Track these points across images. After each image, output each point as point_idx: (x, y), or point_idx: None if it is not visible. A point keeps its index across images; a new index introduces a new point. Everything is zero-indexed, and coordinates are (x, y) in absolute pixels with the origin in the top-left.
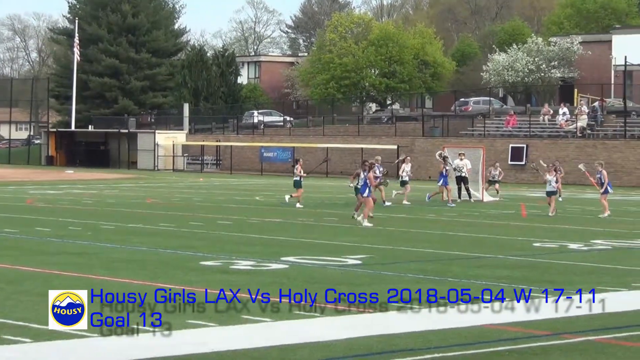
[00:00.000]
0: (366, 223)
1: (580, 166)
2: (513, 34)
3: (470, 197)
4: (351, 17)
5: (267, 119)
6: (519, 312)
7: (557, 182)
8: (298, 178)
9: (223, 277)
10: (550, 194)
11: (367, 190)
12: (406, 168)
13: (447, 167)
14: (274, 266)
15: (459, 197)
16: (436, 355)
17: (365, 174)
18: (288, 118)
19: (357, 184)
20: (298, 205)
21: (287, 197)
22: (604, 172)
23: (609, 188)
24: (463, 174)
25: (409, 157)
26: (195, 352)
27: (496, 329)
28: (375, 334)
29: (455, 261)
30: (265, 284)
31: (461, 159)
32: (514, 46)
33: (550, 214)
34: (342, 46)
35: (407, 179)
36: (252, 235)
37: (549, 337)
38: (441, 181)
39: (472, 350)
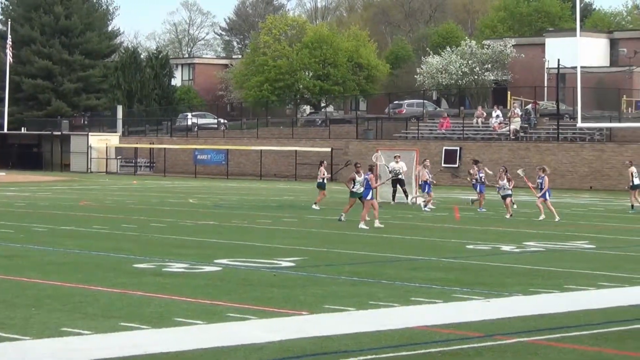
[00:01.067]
0: (362, 225)
1: (519, 171)
2: (447, 36)
3: (407, 198)
4: (285, 19)
5: (201, 121)
6: (451, 314)
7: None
8: (321, 180)
9: (156, 280)
10: (506, 197)
11: (370, 193)
12: (324, 172)
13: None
14: (208, 269)
15: (393, 199)
16: (369, 357)
17: (366, 175)
18: (222, 120)
19: (353, 187)
20: (314, 206)
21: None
22: (546, 177)
23: (547, 194)
24: (400, 177)
25: (325, 162)
26: (127, 355)
27: (428, 331)
28: (309, 336)
29: (389, 263)
30: (199, 287)
31: (397, 162)
32: (448, 49)
33: (508, 217)
34: (276, 48)
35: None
36: (185, 237)
37: (482, 339)
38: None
39: (404, 352)
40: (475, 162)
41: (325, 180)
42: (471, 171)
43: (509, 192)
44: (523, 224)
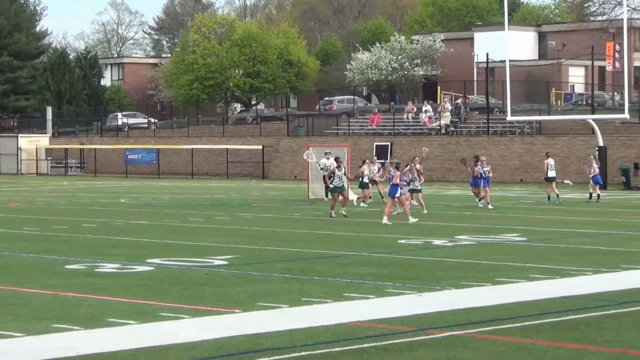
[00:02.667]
0: (385, 221)
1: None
2: (376, 32)
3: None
4: (214, 17)
5: (131, 120)
6: (384, 309)
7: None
8: (365, 179)
9: (88, 281)
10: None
11: (398, 190)
12: (365, 170)
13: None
14: (140, 268)
15: (326, 196)
16: (302, 353)
17: (392, 172)
18: (152, 120)
19: (332, 182)
20: (363, 204)
21: (354, 199)
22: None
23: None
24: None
25: (368, 161)
26: (60, 356)
27: (362, 326)
28: (242, 334)
29: (321, 260)
30: (131, 287)
31: (327, 158)
32: (377, 45)
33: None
34: (206, 47)
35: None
36: (117, 237)
37: (415, 333)
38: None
39: (337, 347)
40: (477, 158)
41: (367, 179)
42: (476, 168)
43: (418, 187)
44: (454, 218)
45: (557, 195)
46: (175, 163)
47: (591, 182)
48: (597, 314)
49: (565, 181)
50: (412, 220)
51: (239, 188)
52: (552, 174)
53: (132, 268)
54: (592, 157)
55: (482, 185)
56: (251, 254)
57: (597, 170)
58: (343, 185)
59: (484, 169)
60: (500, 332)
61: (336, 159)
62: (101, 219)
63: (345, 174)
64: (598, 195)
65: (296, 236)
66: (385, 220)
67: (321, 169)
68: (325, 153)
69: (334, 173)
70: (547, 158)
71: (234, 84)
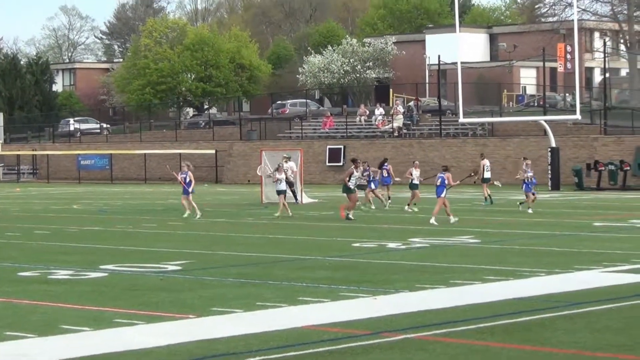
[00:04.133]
0: (432, 221)
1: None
2: (328, 35)
3: (296, 199)
4: (166, 22)
5: (84, 126)
6: (339, 313)
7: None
8: (416, 181)
9: (42, 288)
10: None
11: (444, 191)
12: (415, 173)
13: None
14: (93, 275)
15: (296, 200)
16: (257, 358)
17: (442, 174)
18: (105, 125)
19: (349, 182)
20: (407, 208)
21: (406, 207)
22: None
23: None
24: (290, 177)
25: (417, 162)
26: None
27: (316, 330)
28: (197, 339)
29: (276, 264)
30: (85, 293)
31: (286, 162)
32: (329, 48)
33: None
34: (158, 51)
35: (417, 182)
36: (70, 244)
37: (369, 337)
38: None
39: (292, 352)
40: (525, 159)
41: (417, 181)
42: (523, 167)
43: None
44: (408, 220)
45: (489, 196)
46: (128, 168)
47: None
48: (550, 315)
49: (495, 182)
50: (432, 221)
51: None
52: (487, 175)
53: (85, 274)
54: (523, 158)
55: (525, 189)
56: (205, 259)
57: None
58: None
59: (528, 174)
60: (454, 335)
61: (353, 160)
62: (54, 225)
63: (361, 176)
64: (520, 203)
65: (250, 240)
66: (432, 220)
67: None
68: (284, 157)
69: (352, 174)
70: (483, 159)
71: (186, 88)
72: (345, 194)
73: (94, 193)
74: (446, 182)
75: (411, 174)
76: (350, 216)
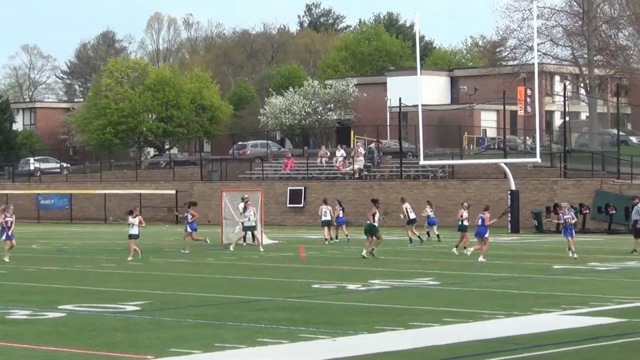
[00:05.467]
0: (481, 259)
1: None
2: (289, 77)
3: (253, 240)
4: (127, 62)
5: (44, 165)
6: (297, 354)
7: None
8: (465, 222)
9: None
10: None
11: (487, 230)
12: (465, 214)
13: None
14: (52, 315)
15: (244, 240)
16: None
17: (482, 215)
18: (65, 164)
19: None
20: (466, 251)
21: (454, 249)
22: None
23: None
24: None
25: (465, 204)
26: None
27: None
28: None
29: (235, 305)
30: (43, 333)
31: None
32: (291, 89)
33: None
34: (119, 91)
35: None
36: (28, 284)
37: None
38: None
39: None
40: (557, 206)
41: (467, 223)
42: (559, 212)
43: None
44: (368, 262)
45: (419, 237)
46: (88, 208)
47: (426, 224)
48: (509, 357)
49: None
50: (481, 259)
51: (152, 233)
52: (412, 216)
53: (43, 314)
54: (427, 201)
55: (566, 235)
56: (164, 300)
57: (432, 214)
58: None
59: (566, 216)
60: None
61: (374, 201)
62: (12, 265)
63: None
64: (438, 235)
65: (209, 281)
66: (481, 258)
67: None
68: (243, 198)
69: (375, 214)
70: (404, 203)
71: (147, 128)
72: (369, 234)
73: (53, 233)
74: (486, 221)
75: (462, 216)
76: (375, 253)
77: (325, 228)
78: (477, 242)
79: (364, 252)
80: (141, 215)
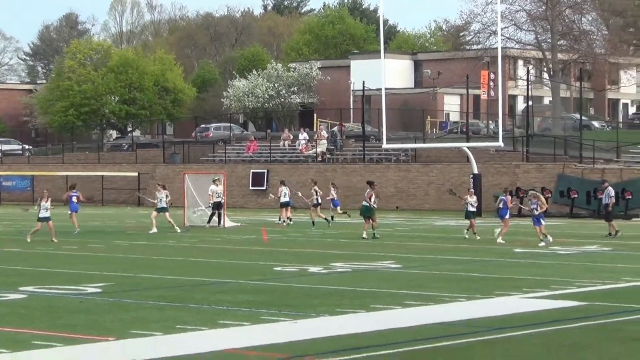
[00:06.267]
0: (500, 240)
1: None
2: (253, 60)
3: (219, 223)
4: (90, 44)
5: (5, 147)
6: (259, 336)
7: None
8: (471, 208)
9: None
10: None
11: (507, 213)
12: (470, 200)
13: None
14: (12, 296)
15: (209, 222)
16: None
17: (503, 197)
18: (27, 146)
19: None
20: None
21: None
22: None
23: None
24: (220, 199)
25: (472, 190)
26: None
27: (236, 354)
28: None
29: (197, 287)
30: (3, 315)
31: (217, 185)
32: (254, 72)
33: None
34: (81, 73)
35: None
36: None
37: None
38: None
39: None
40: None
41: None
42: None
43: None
44: (330, 245)
45: (325, 219)
46: (49, 190)
47: (331, 205)
48: (470, 340)
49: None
50: (500, 240)
51: (115, 215)
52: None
53: (4, 296)
54: (332, 184)
55: (535, 224)
56: (125, 282)
57: (335, 196)
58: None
59: (532, 206)
60: (374, 359)
61: (370, 183)
62: None
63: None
64: (332, 217)
65: (171, 263)
66: (499, 240)
67: (211, 194)
68: (214, 180)
69: (372, 196)
70: (315, 185)
71: (110, 110)
72: (365, 215)
73: (15, 214)
74: (508, 204)
75: (466, 201)
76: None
77: (284, 209)
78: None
79: (364, 234)
80: (103, 197)
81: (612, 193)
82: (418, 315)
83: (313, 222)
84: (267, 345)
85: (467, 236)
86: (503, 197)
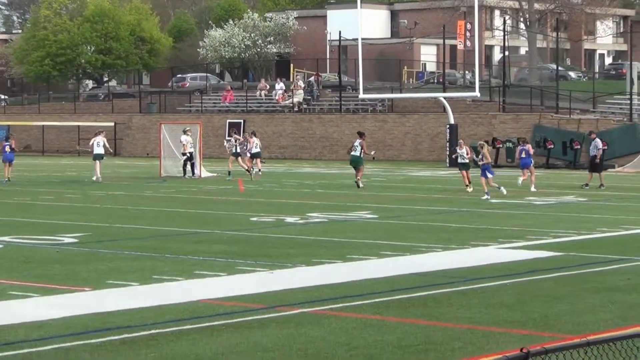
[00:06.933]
0: (533, 189)
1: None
2: (229, 9)
3: (193, 173)
4: None
5: None
6: (235, 287)
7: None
8: (462, 160)
9: None
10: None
11: (531, 161)
12: (460, 151)
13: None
14: None
15: (185, 174)
16: (152, 331)
17: (525, 146)
18: (2, 96)
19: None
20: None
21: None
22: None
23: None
24: (191, 150)
25: (461, 141)
26: None
27: (212, 304)
28: (91, 312)
29: (173, 237)
30: None
31: (188, 135)
32: (231, 22)
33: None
34: (57, 23)
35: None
36: None
37: (265, 310)
38: None
39: (188, 325)
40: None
41: (465, 160)
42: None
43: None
44: (307, 195)
45: (259, 170)
46: (26, 140)
47: (248, 155)
48: (446, 291)
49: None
50: (533, 188)
51: (91, 165)
52: (256, 150)
53: None
54: (252, 132)
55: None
56: (102, 232)
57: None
58: (529, 160)
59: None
60: (350, 309)
61: (359, 133)
62: None
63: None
64: (259, 170)
65: (148, 214)
66: (532, 188)
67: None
68: (185, 130)
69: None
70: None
71: (86, 60)
72: (356, 165)
73: None
74: (530, 152)
75: (456, 153)
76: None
77: (256, 159)
78: (523, 173)
79: (360, 184)
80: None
81: (600, 144)
82: (394, 266)
83: (229, 173)
84: (243, 296)
85: (469, 189)
86: (523, 147)
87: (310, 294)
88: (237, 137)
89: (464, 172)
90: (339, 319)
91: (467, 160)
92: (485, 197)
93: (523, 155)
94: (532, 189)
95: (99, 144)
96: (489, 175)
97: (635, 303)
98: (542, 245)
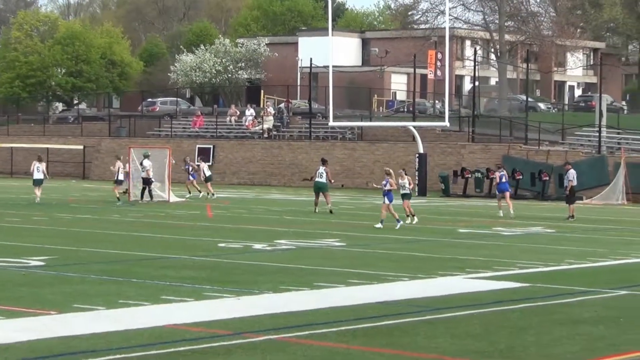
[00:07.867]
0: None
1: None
2: (200, 34)
3: (151, 197)
4: (37, 15)
5: None
6: (202, 313)
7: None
8: (404, 190)
9: None
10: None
11: (508, 187)
12: (402, 182)
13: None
14: None
15: (142, 198)
16: (118, 356)
17: (503, 172)
18: None
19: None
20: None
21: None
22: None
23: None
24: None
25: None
26: None
27: (178, 329)
28: (57, 336)
29: (140, 262)
30: None
31: (149, 159)
32: (202, 47)
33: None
34: (28, 44)
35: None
36: None
37: (231, 337)
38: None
39: (153, 350)
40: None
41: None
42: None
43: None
44: (275, 222)
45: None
46: None
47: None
48: (412, 320)
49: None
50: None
51: (59, 188)
52: (122, 177)
53: None
54: (200, 158)
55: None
56: (68, 255)
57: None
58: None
59: (384, 182)
60: (316, 337)
61: (324, 161)
62: None
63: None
64: (210, 193)
65: (115, 238)
66: (511, 211)
67: (142, 170)
68: (147, 155)
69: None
70: (118, 160)
71: (56, 82)
72: (320, 191)
73: None
74: (503, 179)
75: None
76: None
77: (208, 184)
78: (499, 199)
79: (315, 209)
80: (48, 170)
81: (572, 176)
82: (361, 294)
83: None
84: (210, 322)
85: (411, 221)
86: (502, 173)
87: (276, 321)
88: (192, 164)
89: (405, 202)
90: (304, 347)
91: (408, 191)
92: (379, 224)
93: (503, 180)
94: (511, 211)
95: (38, 169)
96: (387, 202)
97: (601, 335)
98: (509, 275)
